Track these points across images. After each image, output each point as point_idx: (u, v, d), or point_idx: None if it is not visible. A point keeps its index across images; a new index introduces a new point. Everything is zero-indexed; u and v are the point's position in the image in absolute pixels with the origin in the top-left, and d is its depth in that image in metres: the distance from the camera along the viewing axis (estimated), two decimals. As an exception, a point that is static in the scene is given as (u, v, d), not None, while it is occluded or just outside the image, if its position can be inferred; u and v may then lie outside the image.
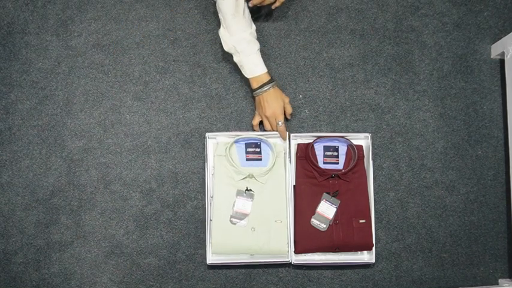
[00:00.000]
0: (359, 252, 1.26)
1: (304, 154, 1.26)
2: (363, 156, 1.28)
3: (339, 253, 1.25)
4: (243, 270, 1.27)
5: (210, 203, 1.24)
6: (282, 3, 1.22)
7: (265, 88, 1.21)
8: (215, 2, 1.17)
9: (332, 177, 1.25)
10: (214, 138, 1.27)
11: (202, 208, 1.28)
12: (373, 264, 1.27)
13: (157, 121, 1.31)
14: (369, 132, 1.30)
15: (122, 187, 1.28)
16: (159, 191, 1.29)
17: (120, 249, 1.27)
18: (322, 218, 1.24)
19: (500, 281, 1.29)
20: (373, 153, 1.30)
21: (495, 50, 1.34)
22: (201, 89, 1.32)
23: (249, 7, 1.20)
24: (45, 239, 1.26)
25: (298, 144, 1.27)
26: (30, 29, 1.32)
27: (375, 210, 1.28)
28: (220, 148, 1.25)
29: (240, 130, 1.30)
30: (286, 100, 1.25)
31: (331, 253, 1.25)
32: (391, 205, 1.31)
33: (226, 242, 1.22)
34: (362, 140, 1.29)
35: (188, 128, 1.31)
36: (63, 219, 1.27)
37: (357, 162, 1.26)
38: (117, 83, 1.32)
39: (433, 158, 1.32)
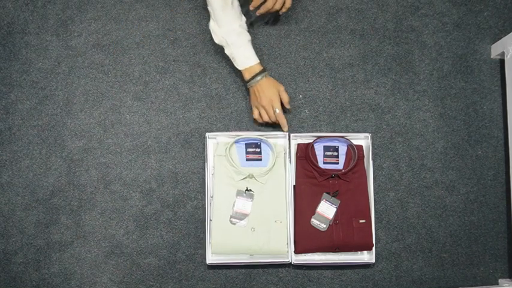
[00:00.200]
0: (359, 252, 1.26)
1: (304, 154, 1.26)
2: (363, 156, 1.28)
3: (339, 253, 1.25)
4: (243, 270, 1.27)
5: (210, 203, 1.24)
6: (288, 9, 1.23)
7: (258, 78, 1.21)
8: None
9: (332, 177, 1.25)
10: (215, 138, 1.27)
11: (202, 208, 1.28)
12: (373, 264, 1.27)
13: (157, 121, 1.31)
14: (369, 132, 1.30)
15: (122, 187, 1.28)
16: (159, 191, 1.29)
17: (120, 249, 1.27)
18: (322, 218, 1.24)
19: (500, 281, 1.29)
20: (373, 153, 1.30)
21: (495, 50, 1.34)
22: (201, 89, 1.32)
23: (256, 16, 1.20)
24: (45, 239, 1.26)
25: (298, 144, 1.27)
26: (30, 29, 1.32)
27: (375, 210, 1.28)
28: (221, 148, 1.25)
29: (240, 130, 1.30)
30: (281, 88, 1.24)
31: (331, 253, 1.25)
32: (391, 205, 1.31)
33: (226, 242, 1.22)
34: (362, 140, 1.29)
35: (188, 128, 1.31)
36: (63, 219, 1.27)
37: (357, 162, 1.26)
38: (117, 83, 1.32)
39: (433, 158, 1.32)
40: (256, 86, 1.22)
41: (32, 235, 1.26)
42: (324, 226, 1.24)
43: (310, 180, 1.25)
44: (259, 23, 1.34)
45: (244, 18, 1.20)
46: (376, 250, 1.26)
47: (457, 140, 1.33)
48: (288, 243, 1.23)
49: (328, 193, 1.25)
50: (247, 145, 1.27)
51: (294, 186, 1.26)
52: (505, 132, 1.33)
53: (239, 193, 1.24)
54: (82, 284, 1.26)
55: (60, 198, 1.28)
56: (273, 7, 1.21)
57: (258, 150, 1.26)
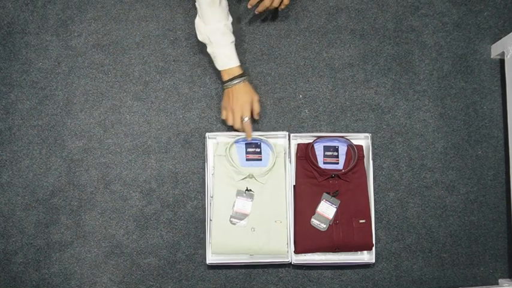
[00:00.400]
0: (359, 252, 1.26)
1: (304, 154, 1.26)
2: (363, 156, 1.28)
3: (339, 253, 1.25)
4: (243, 270, 1.27)
5: (210, 203, 1.24)
6: (287, 6, 1.23)
7: (236, 81, 1.19)
8: None
9: (332, 177, 1.25)
10: (215, 138, 1.27)
11: (202, 208, 1.28)
12: (373, 264, 1.27)
13: (157, 121, 1.31)
14: (369, 132, 1.30)
15: (122, 187, 1.28)
16: (159, 191, 1.29)
17: (120, 249, 1.27)
18: (322, 218, 1.24)
19: (500, 281, 1.29)
20: (373, 153, 1.30)
21: (495, 50, 1.34)
22: (201, 89, 1.32)
23: (253, 14, 1.19)
24: (45, 239, 1.26)
25: (298, 144, 1.27)
26: (30, 29, 1.32)
27: (375, 210, 1.28)
28: (221, 148, 1.25)
29: (240, 131, 1.30)
30: (256, 98, 1.23)
31: (331, 253, 1.25)
32: (391, 205, 1.31)
33: (226, 242, 1.22)
34: (362, 140, 1.29)
35: (188, 128, 1.31)
36: (63, 219, 1.27)
37: (357, 162, 1.26)
38: (117, 83, 1.32)
39: (433, 158, 1.32)
40: (232, 89, 1.20)
41: (32, 235, 1.26)
42: (324, 226, 1.24)
43: (310, 180, 1.25)
44: (257, 20, 1.34)
45: (230, 19, 1.19)
46: (376, 250, 1.26)
47: (457, 140, 1.33)
48: (288, 243, 1.23)
49: (328, 193, 1.25)
50: (247, 145, 1.27)
51: (294, 186, 1.26)
52: (505, 132, 1.33)
53: (239, 193, 1.24)
54: (82, 284, 1.26)
55: (60, 198, 1.28)
56: (270, 5, 1.20)
57: (258, 150, 1.26)
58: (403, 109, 1.34)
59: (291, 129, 1.31)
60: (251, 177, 1.24)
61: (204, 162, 1.28)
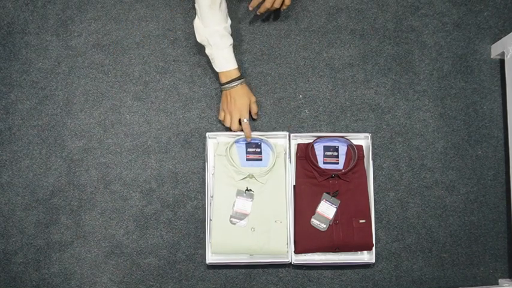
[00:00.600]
0: (359, 252, 1.26)
1: (304, 154, 1.26)
2: (363, 156, 1.28)
3: (339, 253, 1.25)
4: (243, 270, 1.27)
5: (210, 203, 1.24)
6: (288, 6, 1.23)
7: (234, 84, 1.21)
8: None
9: (332, 177, 1.25)
10: (215, 138, 1.27)
11: (202, 208, 1.28)
12: (373, 264, 1.27)
13: (157, 121, 1.31)
14: (369, 132, 1.30)
15: (122, 187, 1.28)
16: (159, 191, 1.29)
17: (120, 249, 1.27)
18: (322, 218, 1.24)
19: (500, 281, 1.29)
20: (373, 153, 1.30)
21: (495, 50, 1.34)
22: (201, 89, 1.32)
23: (254, 15, 1.20)
24: (45, 239, 1.26)
25: (298, 144, 1.27)
26: (30, 29, 1.32)
27: (375, 210, 1.28)
28: (221, 148, 1.25)
29: (240, 130, 1.30)
30: (253, 99, 1.25)
31: (331, 253, 1.25)
32: (391, 205, 1.31)
33: (225, 242, 1.22)
34: (362, 140, 1.29)
35: (188, 128, 1.31)
36: (63, 219, 1.27)
37: (357, 162, 1.26)
38: (117, 83, 1.32)
39: (433, 158, 1.32)
40: (230, 92, 1.21)
41: (32, 235, 1.26)
42: (324, 226, 1.24)
43: (310, 180, 1.25)
44: (257, 20, 1.34)
45: (229, 21, 1.20)
46: (376, 250, 1.26)
47: (457, 140, 1.33)
48: (288, 243, 1.23)
49: (328, 193, 1.25)
50: (248, 145, 1.27)
51: (294, 186, 1.26)
52: (505, 132, 1.33)
53: (239, 193, 1.24)
54: (82, 284, 1.26)
55: (60, 198, 1.28)
56: (272, 6, 1.21)
57: (258, 150, 1.26)
58: (403, 109, 1.34)
59: (291, 129, 1.31)
60: (251, 177, 1.24)
61: (204, 162, 1.28)
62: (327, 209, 1.24)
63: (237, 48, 1.33)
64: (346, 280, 1.28)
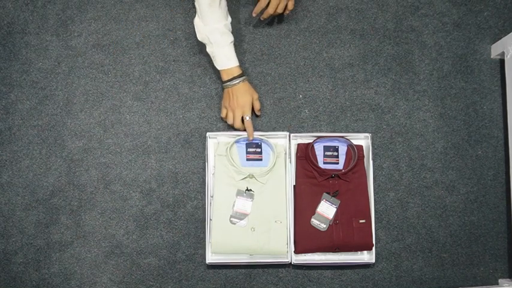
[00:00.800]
0: (359, 252, 1.26)
1: (304, 154, 1.26)
2: (363, 156, 1.28)
3: (339, 253, 1.25)
4: (243, 270, 1.27)
5: (210, 203, 1.24)
6: (290, 11, 1.25)
7: (235, 82, 1.21)
8: None
9: (332, 177, 1.25)
10: (215, 137, 1.27)
11: (202, 208, 1.28)
12: (373, 264, 1.27)
13: (157, 121, 1.31)
14: (369, 132, 1.30)
15: (122, 187, 1.28)
16: (159, 191, 1.29)
17: (120, 249, 1.27)
18: (322, 218, 1.24)
19: (500, 281, 1.29)
20: (373, 153, 1.30)
21: (495, 50, 1.34)
22: (201, 89, 1.32)
23: (258, 20, 1.20)
24: (45, 239, 1.26)
25: (298, 144, 1.27)
26: (30, 29, 1.32)
27: (375, 210, 1.28)
28: (221, 148, 1.25)
29: (240, 130, 1.30)
30: (256, 96, 1.25)
31: (331, 253, 1.25)
32: (391, 205, 1.31)
33: (225, 242, 1.22)
34: (362, 140, 1.29)
35: (188, 128, 1.31)
36: (63, 219, 1.27)
37: (357, 162, 1.26)
38: (117, 83, 1.32)
39: (433, 158, 1.32)
40: (232, 89, 1.21)
41: (32, 235, 1.26)
42: (324, 226, 1.24)
43: (310, 180, 1.25)
44: (257, 20, 1.34)
45: (229, 19, 1.20)
46: (376, 250, 1.26)
47: (457, 140, 1.33)
48: (288, 243, 1.23)
49: (328, 193, 1.25)
50: (248, 145, 1.27)
51: (294, 186, 1.26)
52: (505, 132, 1.33)
53: (239, 193, 1.24)
54: (82, 284, 1.26)
55: (60, 198, 1.28)
56: (275, 11, 1.21)
57: (259, 150, 1.26)
58: (403, 109, 1.34)
59: (291, 129, 1.31)
60: (251, 177, 1.24)
61: (204, 162, 1.28)
62: (327, 209, 1.24)
63: (237, 48, 1.33)
64: (346, 280, 1.28)
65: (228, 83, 1.21)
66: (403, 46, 1.35)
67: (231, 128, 1.27)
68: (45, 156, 1.29)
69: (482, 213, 1.31)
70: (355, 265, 1.28)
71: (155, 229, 1.28)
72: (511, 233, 1.31)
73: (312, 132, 1.31)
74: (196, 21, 1.19)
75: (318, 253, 1.25)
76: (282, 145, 1.27)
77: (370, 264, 1.28)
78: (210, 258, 1.23)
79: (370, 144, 1.28)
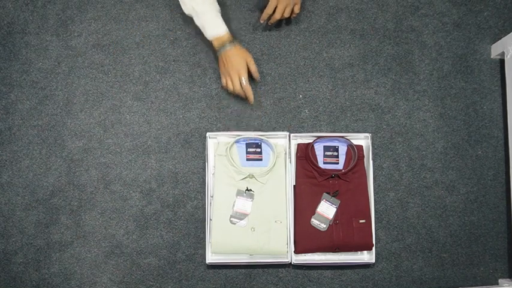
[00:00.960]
0: (359, 252, 1.26)
1: (304, 154, 1.26)
2: (363, 156, 1.28)
3: (339, 253, 1.25)
4: (243, 270, 1.27)
5: (210, 203, 1.24)
6: (297, 14, 1.25)
7: (227, 47, 1.20)
8: None
9: (332, 177, 1.25)
10: (215, 137, 1.27)
11: (202, 208, 1.28)
12: (373, 264, 1.27)
13: (157, 121, 1.31)
14: (369, 132, 1.30)
15: (122, 187, 1.28)
16: (159, 191, 1.29)
17: (120, 249, 1.27)
18: (322, 218, 1.24)
19: (500, 281, 1.29)
20: (373, 153, 1.30)
21: (495, 50, 1.34)
22: (201, 89, 1.32)
23: (265, 25, 1.21)
24: (45, 239, 1.26)
25: (298, 144, 1.27)
26: (30, 29, 1.32)
27: (375, 210, 1.28)
28: (221, 148, 1.25)
29: (240, 130, 1.30)
30: (249, 58, 1.24)
31: (331, 253, 1.25)
32: (391, 205, 1.31)
33: (225, 242, 1.22)
34: (362, 140, 1.29)
35: (188, 128, 1.31)
36: (63, 219, 1.27)
37: (357, 162, 1.26)
38: (117, 83, 1.32)
39: (433, 158, 1.32)
40: (225, 54, 1.21)
41: (32, 235, 1.26)
42: (324, 226, 1.24)
43: (310, 180, 1.25)
44: (257, 20, 1.34)
45: None
46: (376, 250, 1.26)
47: (457, 140, 1.33)
48: (288, 243, 1.23)
49: (328, 193, 1.25)
50: (248, 145, 1.27)
51: (294, 186, 1.26)
52: (505, 132, 1.33)
53: (239, 193, 1.24)
54: (82, 284, 1.26)
55: (60, 198, 1.28)
56: (281, 16, 1.22)
57: (259, 150, 1.26)
58: (403, 109, 1.34)
59: (291, 129, 1.31)
60: (251, 177, 1.24)
61: (204, 162, 1.28)
62: (327, 209, 1.24)
63: (237, 48, 1.33)
64: (346, 280, 1.28)
65: (221, 49, 1.21)
66: (403, 46, 1.35)
67: (232, 127, 1.27)
68: (45, 156, 1.29)
69: (482, 213, 1.31)
70: (355, 265, 1.28)
71: (155, 229, 1.28)
72: (511, 233, 1.31)
73: (312, 132, 1.31)
74: None
75: (318, 253, 1.25)
76: (282, 145, 1.27)
77: (370, 264, 1.28)
78: (210, 258, 1.23)
79: (370, 144, 1.28)
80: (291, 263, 1.24)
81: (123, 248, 1.27)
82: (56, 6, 1.33)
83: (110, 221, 1.28)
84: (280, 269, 1.27)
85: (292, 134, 1.28)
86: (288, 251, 1.23)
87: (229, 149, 1.25)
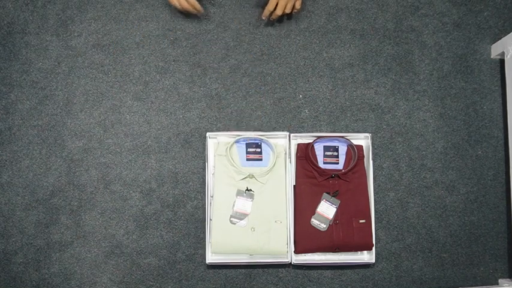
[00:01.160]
0: (359, 252, 1.26)
1: (304, 154, 1.26)
2: (363, 156, 1.28)
3: (339, 253, 1.25)
4: (243, 270, 1.27)
5: (210, 203, 1.24)
6: (299, 10, 1.26)
7: None
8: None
9: (332, 177, 1.25)
10: (215, 137, 1.27)
11: (202, 208, 1.28)
12: (373, 264, 1.27)
13: (157, 121, 1.31)
14: (369, 132, 1.30)
15: (122, 187, 1.28)
16: (159, 191, 1.29)
17: (120, 249, 1.27)
18: (322, 218, 1.24)
19: (500, 281, 1.29)
20: (373, 153, 1.30)
21: (495, 50, 1.34)
22: (201, 89, 1.32)
23: (267, 21, 1.21)
24: (45, 239, 1.26)
25: (298, 144, 1.27)
26: (30, 29, 1.32)
27: (375, 210, 1.28)
28: (221, 148, 1.25)
29: (240, 130, 1.30)
30: None
31: (331, 253, 1.25)
32: (391, 205, 1.31)
33: (225, 242, 1.22)
34: (362, 140, 1.29)
35: (188, 128, 1.31)
36: (63, 219, 1.27)
37: (357, 162, 1.26)
38: (117, 83, 1.32)
39: (433, 158, 1.32)
40: None
41: (32, 235, 1.26)
42: (324, 226, 1.24)
43: (310, 180, 1.25)
44: (259, 20, 1.34)
45: None
46: (376, 250, 1.26)
47: (457, 140, 1.33)
48: (287, 243, 1.23)
49: (328, 193, 1.25)
50: (248, 145, 1.27)
51: (294, 186, 1.26)
52: (505, 132, 1.33)
53: (239, 193, 1.24)
54: (82, 284, 1.26)
55: (60, 198, 1.28)
56: (283, 12, 1.23)
57: (259, 150, 1.26)
58: (403, 109, 1.34)
59: (291, 129, 1.31)
60: (251, 177, 1.24)
61: (204, 162, 1.28)
62: (327, 209, 1.24)
63: (237, 48, 1.33)
64: (346, 280, 1.28)
65: None
66: (403, 46, 1.35)
67: (231, 128, 1.26)
68: (45, 156, 1.29)
69: (482, 213, 1.31)
70: (355, 265, 1.28)
71: (155, 229, 1.28)
72: (511, 233, 1.31)
73: (312, 132, 1.31)
74: None
75: (318, 253, 1.25)
76: (282, 145, 1.27)
77: (370, 264, 1.28)
78: (210, 258, 1.23)
79: (370, 144, 1.28)
80: (291, 263, 1.24)
81: (123, 248, 1.27)
82: (56, 6, 1.33)
83: (110, 221, 1.27)
84: (280, 269, 1.27)
85: (292, 134, 1.28)
86: (288, 251, 1.23)
87: (229, 149, 1.25)
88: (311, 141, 1.26)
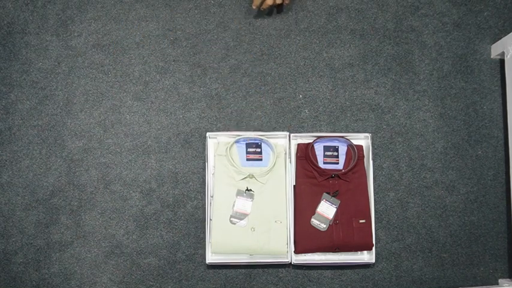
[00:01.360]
0: (359, 252, 1.26)
1: (304, 154, 1.26)
2: (363, 156, 1.28)
3: (339, 253, 1.25)
4: (243, 270, 1.27)
5: (210, 203, 1.24)
6: (290, 1, 1.25)
7: None
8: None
9: (332, 177, 1.25)
10: (215, 137, 1.27)
11: (202, 208, 1.28)
12: (373, 264, 1.27)
13: (157, 121, 1.31)
14: (369, 132, 1.30)
15: (122, 187, 1.28)
16: (159, 191, 1.29)
17: (120, 249, 1.27)
18: (322, 218, 1.24)
19: (500, 281, 1.29)
20: (373, 153, 1.30)
21: (495, 50, 1.34)
22: (201, 89, 1.32)
23: (258, 11, 1.20)
24: (45, 239, 1.26)
25: (298, 144, 1.27)
26: (30, 29, 1.32)
27: (375, 210, 1.28)
28: (221, 148, 1.25)
29: (240, 130, 1.30)
30: None
31: (331, 253, 1.25)
32: (391, 205, 1.31)
33: (225, 242, 1.22)
34: (362, 140, 1.29)
35: (188, 128, 1.31)
36: (63, 219, 1.27)
37: (357, 162, 1.26)
38: (117, 83, 1.32)
39: (433, 158, 1.32)
40: None
41: (32, 235, 1.26)
42: (324, 226, 1.24)
43: (310, 180, 1.25)
44: (259, 20, 1.34)
45: None
46: (376, 250, 1.26)
47: (457, 140, 1.33)
48: (287, 243, 1.23)
49: (328, 193, 1.25)
50: (248, 145, 1.27)
51: (294, 186, 1.26)
52: (505, 132, 1.33)
53: (239, 193, 1.24)
54: (82, 284, 1.26)
55: (60, 198, 1.28)
56: (274, 2, 1.22)
57: (259, 150, 1.26)
58: (403, 109, 1.34)
59: (291, 129, 1.31)
60: (251, 177, 1.24)
61: (204, 162, 1.28)
62: (327, 209, 1.24)
63: (237, 48, 1.33)
64: (346, 280, 1.28)
65: None
66: (403, 46, 1.35)
67: (232, 128, 1.26)
68: (45, 156, 1.29)
69: (482, 213, 1.31)
70: (355, 265, 1.28)
71: (155, 229, 1.28)
72: (511, 233, 1.31)
73: (312, 132, 1.31)
74: None
75: (318, 253, 1.25)
76: (282, 145, 1.27)
77: (370, 264, 1.28)
78: (210, 258, 1.23)
79: (370, 144, 1.28)
80: (291, 263, 1.24)
81: (123, 248, 1.27)
82: (56, 6, 1.33)
83: (110, 221, 1.27)
84: (280, 269, 1.27)
85: (292, 134, 1.28)
86: (288, 251, 1.23)
87: (229, 149, 1.25)
88: (311, 141, 1.26)
